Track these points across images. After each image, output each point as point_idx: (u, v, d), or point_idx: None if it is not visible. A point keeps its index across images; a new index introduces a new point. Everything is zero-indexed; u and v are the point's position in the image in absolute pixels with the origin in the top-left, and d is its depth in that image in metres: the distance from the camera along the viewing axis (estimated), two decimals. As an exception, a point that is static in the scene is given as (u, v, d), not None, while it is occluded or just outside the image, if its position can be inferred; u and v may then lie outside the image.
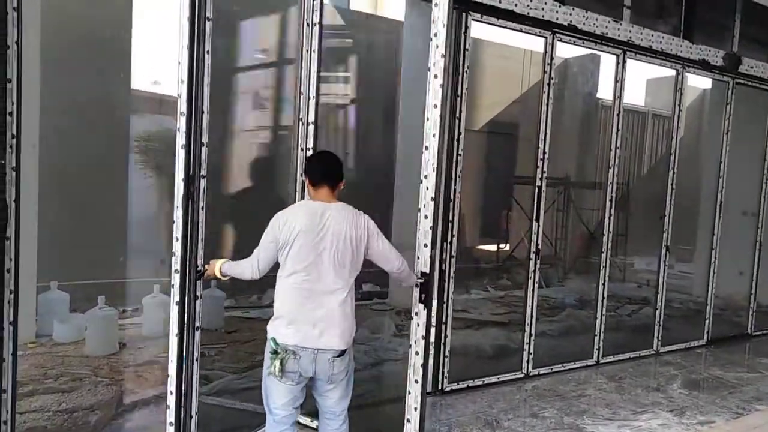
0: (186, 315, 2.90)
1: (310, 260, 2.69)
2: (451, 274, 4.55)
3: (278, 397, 2.73)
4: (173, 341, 2.88)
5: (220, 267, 2.89)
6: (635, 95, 8.76)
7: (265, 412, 2.84)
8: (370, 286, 8.12)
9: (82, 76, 5.27)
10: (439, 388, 4.57)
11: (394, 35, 8.33)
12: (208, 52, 2.92)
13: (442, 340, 4.56)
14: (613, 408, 4.48)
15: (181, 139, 2.82)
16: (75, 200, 5.27)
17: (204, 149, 2.93)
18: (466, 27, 4.48)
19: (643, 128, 9.61)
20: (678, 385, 5.11)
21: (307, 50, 3.68)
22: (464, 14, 4.46)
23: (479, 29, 4.71)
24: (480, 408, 4.35)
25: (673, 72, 5.87)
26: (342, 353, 2.74)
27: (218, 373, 4.46)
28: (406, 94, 7.70)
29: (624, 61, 5.44)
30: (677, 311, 6.73)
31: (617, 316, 6.36)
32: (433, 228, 2.97)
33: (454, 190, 4.53)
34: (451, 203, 4.53)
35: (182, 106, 2.82)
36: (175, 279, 2.86)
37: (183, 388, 2.93)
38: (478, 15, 4.52)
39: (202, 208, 2.93)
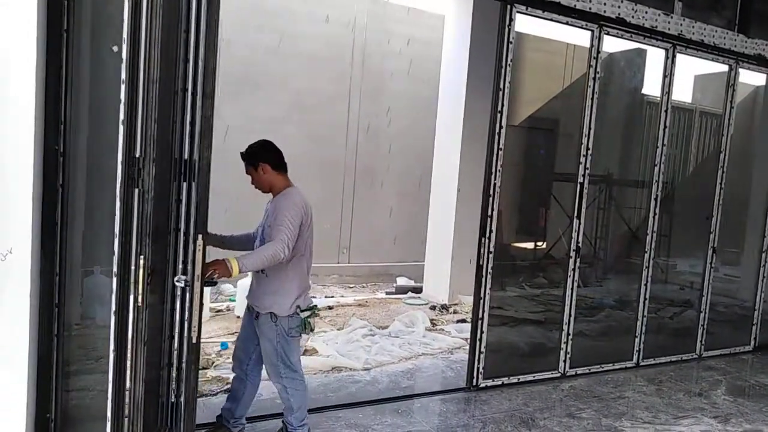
0: (128, 327, 2.54)
1: (311, 240, 3.27)
2: (489, 270, 4.49)
3: (298, 352, 3.33)
4: (111, 357, 2.55)
5: (237, 266, 2.93)
6: (682, 91, 8.46)
7: None
8: (404, 280, 8.11)
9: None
10: (474, 383, 4.53)
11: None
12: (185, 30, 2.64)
13: (478, 336, 4.51)
14: (653, 411, 4.36)
15: (120, 113, 2.41)
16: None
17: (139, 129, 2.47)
18: (511, 20, 4.40)
19: (690, 126, 9.31)
20: (722, 391, 4.94)
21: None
22: (509, 6, 4.38)
23: (523, 22, 4.62)
24: (515, 406, 4.29)
25: (725, 67, 5.66)
26: None
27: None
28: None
29: (674, 56, 5.26)
30: (722, 315, 6.50)
31: (658, 318, 6.18)
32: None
33: (494, 184, 4.47)
34: (491, 198, 4.47)
35: (123, 73, 2.39)
36: (113, 284, 2.48)
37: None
38: (523, 7, 4.43)
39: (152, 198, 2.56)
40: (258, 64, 7.49)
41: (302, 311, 3.23)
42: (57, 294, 2.69)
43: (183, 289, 2.69)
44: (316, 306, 3.36)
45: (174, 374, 2.91)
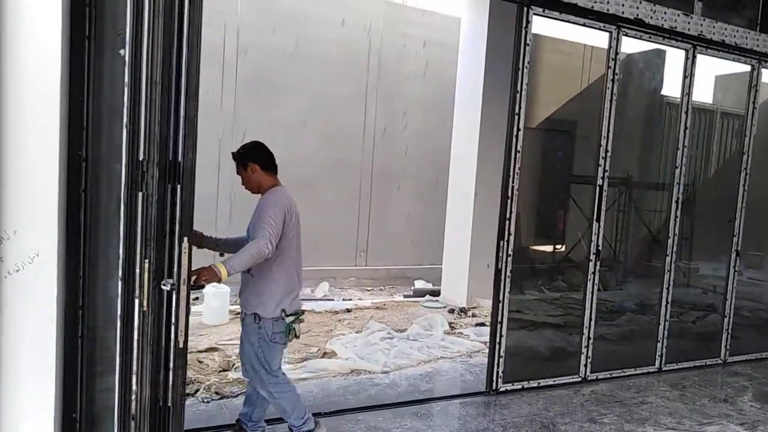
0: (133, 331, 2.53)
1: (298, 240, 3.22)
2: (508, 273, 4.46)
3: (279, 358, 3.27)
4: (117, 360, 2.55)
5: (225, 269, 2.89)
6: (703, 92, 8.34)
7: None
8: (422, 283, 8.10)
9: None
10: (494, 387, 4.50)
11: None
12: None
13: (497, 340, 4.49)
14: (676, 417, 4.29)
15: (124, 116, 2.45)
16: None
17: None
18: (528, 22, 4.38)
19: (712, 127, 9.17)
20: (749, 397, 4.84)
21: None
22: (525, 8, 4.37)
23: (540, 24, 4.60)
24: (536, 410, 4.26)
25: (746, 68, 5.57)
26: None
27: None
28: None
29: (694, 57, 5.20)
30: (747, 319, 6.38)
31: (681, 322, 6.08)
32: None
33: (512, 187, 4.44)
34: (509, 201, 4.44)
35: (126, 75, 2.43)
36: (119, 288, 2.50)
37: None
38: (540, 9, 4.41)
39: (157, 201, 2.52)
40: (274, 68, 7.55)
41: (287, 316, 3.17)
42: (81, 296, 2.72)
43: (169, 293, 2.62)
44: (303, 312, 3.30)
45: (170, 378, 2.75)
